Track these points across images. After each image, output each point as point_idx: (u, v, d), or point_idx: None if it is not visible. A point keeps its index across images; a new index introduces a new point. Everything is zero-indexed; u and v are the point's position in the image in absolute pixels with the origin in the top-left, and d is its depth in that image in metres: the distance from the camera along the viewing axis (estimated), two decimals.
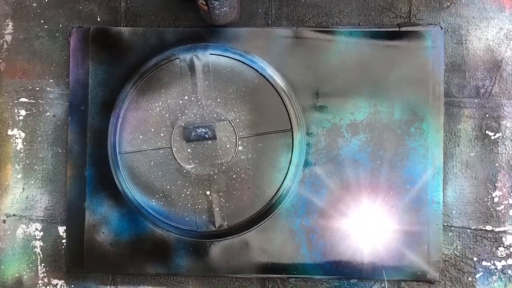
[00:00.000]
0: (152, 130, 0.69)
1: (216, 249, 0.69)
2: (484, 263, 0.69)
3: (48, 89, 0.73)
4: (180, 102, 0.69)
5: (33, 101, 0.73)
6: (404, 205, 0.68)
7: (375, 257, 0.68)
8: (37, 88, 0.73)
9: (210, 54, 0.69)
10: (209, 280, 0.71)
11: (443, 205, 0.69)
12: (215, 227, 0.68)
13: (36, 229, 0.72)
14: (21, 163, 0.73)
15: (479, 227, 0.69)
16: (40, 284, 0.72)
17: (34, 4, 0.73)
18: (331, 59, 0.70)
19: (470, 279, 0.69)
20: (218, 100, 0.69)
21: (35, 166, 0.73)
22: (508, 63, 0.70)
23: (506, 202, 0.69)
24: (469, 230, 0.70)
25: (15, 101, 0.73)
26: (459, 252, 0.70)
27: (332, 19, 0.72)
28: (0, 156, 0.73)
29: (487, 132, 0.70)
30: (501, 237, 0.69)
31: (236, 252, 0.69)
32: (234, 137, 0.69)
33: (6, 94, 0.73)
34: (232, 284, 0.71)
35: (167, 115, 0.69)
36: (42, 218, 0.72)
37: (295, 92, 0.70)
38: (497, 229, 0.69)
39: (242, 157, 0.69)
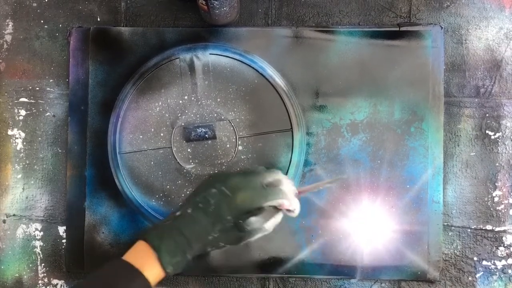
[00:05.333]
0: (152, 130, 0.69)
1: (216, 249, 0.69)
2: (484, 262, 0.69)
3: (48, 89, 0.73)
4: (180, 102, 0.69)
5: (33, 101, 0.73)
6: (404, 205, 0.68)
7: (375, 257, 0.68)
8: (37, 88, 0.73)
9: (210, 54, 0.69)
10: (209, 280, 0.71)
11: (443, 204, 0.69)
12: None
13: (36, 229, 0.72)
14: (21, 163, 0.73)
15: (479, 226, 0.69)
16: (40, 284, 0.72)
17: (34, 4, 0.73)
18: (331, 58, 0.70)
19: (470, 278, 0.69)
20: (218, 100, 0.69)
21: (35, 166, 0.73)
22: (508, 62, 0.70)
23: (506, 201, 0.69)
24: (469, 230, 0.70)
25: (15, 101, 0.73)
26: (459, 251, 0.70)
27: (332, 18, 0.72)
28: (0, 156, 0.73)
29: (487, 131, 0.70)
30: (501, 237, 0.69)
31: (236, 251, 0.69)
32: (234, 137, 0.69)
33: (6, 94, 0.73)
34: (232, 284, 0.71)
35: (167, 115, 0.69)
36: (42, 218, 0.72)
37: (295, 92, 0.70)
38: (497, 229, 0.69)
39: (242, 157, 0.69)
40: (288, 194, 0.54)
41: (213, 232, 0.52)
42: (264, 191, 0.53)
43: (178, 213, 0.53)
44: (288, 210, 0.54)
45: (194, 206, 0.53)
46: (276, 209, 0.54)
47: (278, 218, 0.55)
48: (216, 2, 0.62)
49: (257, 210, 0.53)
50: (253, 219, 0.52)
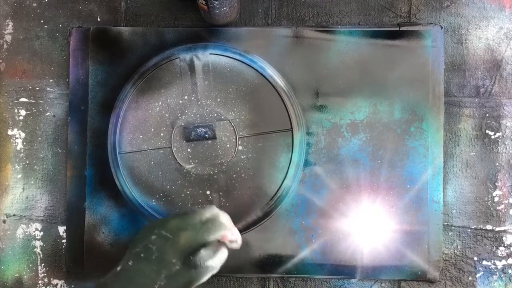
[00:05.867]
0: (152, 130, 0.69)
1: None
2: (484, 262, 0.69)
3: (48, 89, 0.73)
4: (180, 102, 0.69)
5: (33, 101, 0.73)
6: (404, 205, 0.68)
7: (375, 257, 0.68)
8: (37, 88, 0.73)
9: (210, 54, 0.69)
10: (209, 280, 0.71)
11: (443, 204, 0.69)
12: None
13: (36, 229, 0.72)
14: (21, 163, 0.73)
15: (479, 226, 0.69)
16: (40, 284, 0.72)
17: (34, 4, 0.73)
18: (331, 58, 0.70)
19: (470, 278, 0.69)
20: (218, 100, 0.69)
21: (35, 166, 0.73)
22: (508, 62, 0.70)
23: (506, 201, 0.69)
24: (469, 230, 0.70)
25: (15, 101, 0.73)
26: (459, 251, 0.70)
27: (332, 18, 0.72)
28: (0, 156, 0.73)
29: (487, 131, 0.70)
30: (502, 237, 0.69)
31: (236, 251, 0.69)
32: (234, 137, 0.69)
33: (6, 94, 0.73)
34: (232, 283, 0.71)
35: (167, 115, 0.69)
36: (42, 218, 0.72)
37: (295, 92, 0.70)
38: (497, 229, 0.69)
39: (242, 157, 0.69)
40: (227, 225, 0.54)
41: (159, 280, 0.49)
42: (205, 226, 0.52)
43: (119, 268, 0.50)
44: (231, 242, 0.54)
45: (135, 257, 0.50)
46: (220, 243, 0.53)
47: (224, 254, 0.54)
48: (216, 2, 0.62)
49: (203, 246, 0.51)
50: (203, 252, 0.51)
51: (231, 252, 0.69)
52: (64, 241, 0.72)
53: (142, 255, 0.50)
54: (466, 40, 0.70)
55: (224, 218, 0.55)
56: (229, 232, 0.53)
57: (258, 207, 0.68)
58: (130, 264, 0.50)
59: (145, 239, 0.51)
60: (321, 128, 0.70)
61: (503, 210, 0.69)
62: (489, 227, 0.69)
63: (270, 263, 0.69)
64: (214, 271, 0.53)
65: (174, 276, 0.50)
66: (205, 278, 0.53)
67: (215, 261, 0.53)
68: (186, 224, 0.52)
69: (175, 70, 0.69)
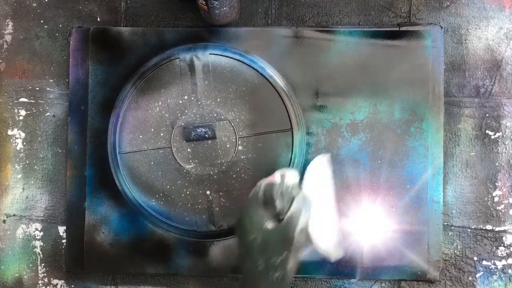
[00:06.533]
0: (152, 130, 0.69)
1: (216, 249, 0.69)
2: (484, 262, 0.69)
3: (48, 89, 0.73)
4: (180, 102, 0.69)
5: (33, 101, 0.73)
6: (404, 205, 0.68)
7: (375, 257, 0.68)
8: (37, 88, 0.73)
9: (210, 54, 0.69)
10: (209, 280, 0.71)
11: (443, 204, 0.69)
12: (215, 227, 0.68)
13: (36, 229, 0.72)
14: (21, 163, 0.73)
15: (479, 226, 0.69)
16: (40, 284, 0.72)
17: (34, 4, 0.73)
18: (331, 58, 0.70)
19: (470, 278, 0.69)
20: (218, 100, 0.69)
21: (35, 166, 0.73)
22: (508, 62, 0.70)
23: (506, 201, 0.69)
24: (469, 230, 0.70)
25: (15, 101, 0.73)
26: (459, 251, 0.70)
27: (332, 18, 0.72)
28: (0, 156, 0.73)
29: (487, 131, 0.70)
30: (501, 237, 0.69)
31: (237, 252, 0.69)
32: (234, 137, 0.69)
33: (6, 94, 0.73)
34: (233, 284, 0.71)
35: (167, 115, 0.69)
36: (42, 218, 0.72)
37: (295, 92, 0.70)
38: (497, 229, 0.69)
39: (242, 157, 0.69)
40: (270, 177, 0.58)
41: (260, 234, 0.54)
42: (260, 192, 0.56)
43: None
44: (282, 176, 0.57)
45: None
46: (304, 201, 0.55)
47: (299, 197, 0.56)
48: (216, 2, 0.62)
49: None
50: (278, 201, 0.55)
51: (231, 251, 0.69)
52: (64, 241, 0.72)
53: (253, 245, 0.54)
54: (466, 40, 0.70)
55: (268, 179, 0.58)
56: (271, 177, 0.58)
57: None
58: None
59: (246, 242, 0.55)
60: (321, 128, 0.70)
61: (503, 210, 0.69)
62: (489, 227, 0.69)
63: None
64: (303, 219, 0.55)
65: (269, 234, 0.54)
66: (298, 228, 0.54)
67: (293, 205, 0.55)
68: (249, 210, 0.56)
69: (175, 70, 0.69)
